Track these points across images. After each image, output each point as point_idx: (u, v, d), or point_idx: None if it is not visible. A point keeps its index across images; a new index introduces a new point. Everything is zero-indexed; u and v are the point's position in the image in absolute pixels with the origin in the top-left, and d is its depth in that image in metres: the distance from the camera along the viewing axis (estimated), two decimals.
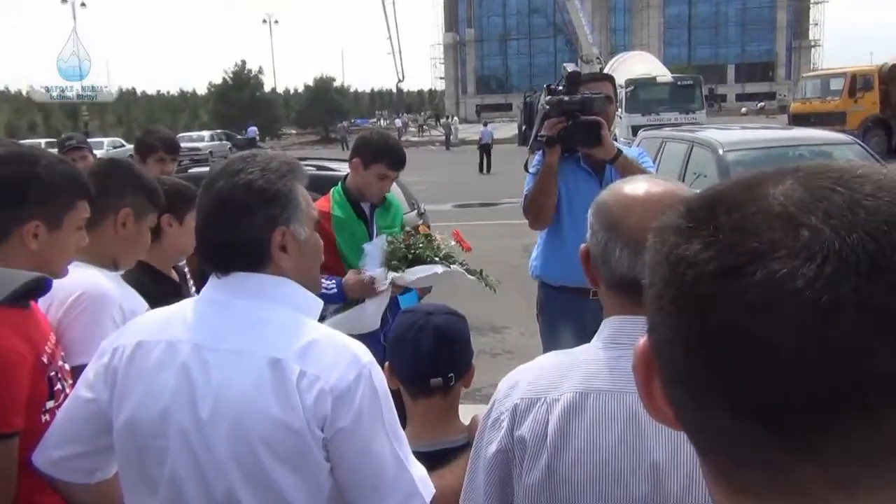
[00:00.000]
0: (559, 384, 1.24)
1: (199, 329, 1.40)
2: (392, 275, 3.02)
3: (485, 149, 25.37)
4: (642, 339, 0.56)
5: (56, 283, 1.93)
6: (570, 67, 3.54)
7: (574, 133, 3.27)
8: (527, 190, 3.45)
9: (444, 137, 40.87)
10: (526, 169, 3.58)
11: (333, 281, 3.09)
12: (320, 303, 1.50)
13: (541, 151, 3.42)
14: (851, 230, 0.44)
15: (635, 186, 1.31)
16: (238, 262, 1.42)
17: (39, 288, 1.59)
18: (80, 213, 1.78)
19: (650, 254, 0.53)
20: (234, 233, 1.41)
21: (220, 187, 1.42)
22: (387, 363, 1.76)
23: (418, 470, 1.44)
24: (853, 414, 0.44)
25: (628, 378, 1.24)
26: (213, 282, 1.46)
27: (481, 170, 24.89)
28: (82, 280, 1.93)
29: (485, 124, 28.51)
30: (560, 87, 3.46)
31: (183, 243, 2.57)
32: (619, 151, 3.31)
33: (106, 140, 29.32)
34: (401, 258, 3.05)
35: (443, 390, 1.73)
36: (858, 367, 0.43)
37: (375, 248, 3.11)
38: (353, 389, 1.33)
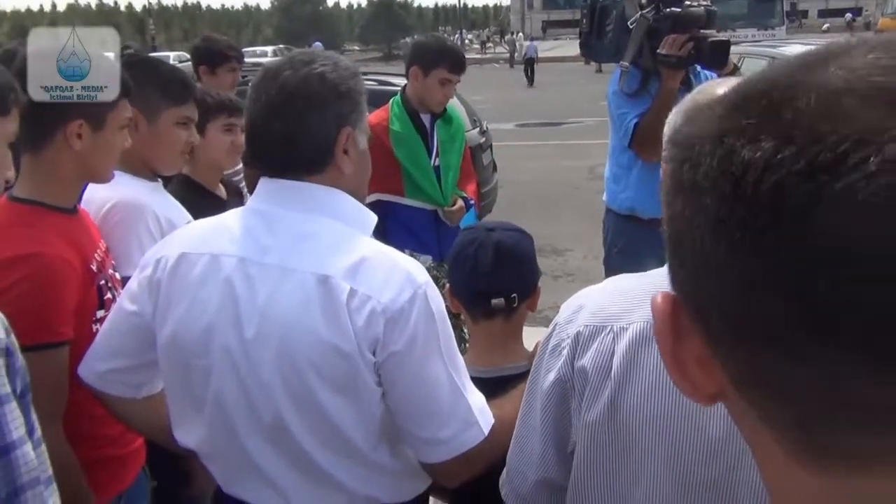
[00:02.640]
0: (629, 312, 1.10)
1: (244, 242, 1.31)
2: None
3: (529, 63, 26.89)
4: (659, 296, 0.46)
5: (91, 193, 1.87)
6: None
7: (702, 52, 2.90)
8: (637, 118, 3.04)
9: (508, 55, 39.94)
10: (622, 91, 3.12)
11: None
12: (373, 217, 1.39)
13: (637, 72, 3.08)
14: None
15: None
16: (297, 162, 1.31)
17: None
18: (121, 112, 1.71)
19: (682, 171, 0.41)
20: (299, 127, 1.29)
21: (287, 77, 1.30)
22: (447, 284, 1.65)
23: (476, 398, 1.34)
24: None
25: None
26: (260, 189, 1.36)
27: (530, 83, 26.09)
28: (115, 190, 1.87)
29: (530, 39, 32.29)
30: None
31: (208, 156, 2.49)
32: (736, 66, 3.05)
33: (172, 54, 29.36)
34: None
35: (505, 312, 1.61)
36: None
37: None
38: (406, 311, 1.23)
